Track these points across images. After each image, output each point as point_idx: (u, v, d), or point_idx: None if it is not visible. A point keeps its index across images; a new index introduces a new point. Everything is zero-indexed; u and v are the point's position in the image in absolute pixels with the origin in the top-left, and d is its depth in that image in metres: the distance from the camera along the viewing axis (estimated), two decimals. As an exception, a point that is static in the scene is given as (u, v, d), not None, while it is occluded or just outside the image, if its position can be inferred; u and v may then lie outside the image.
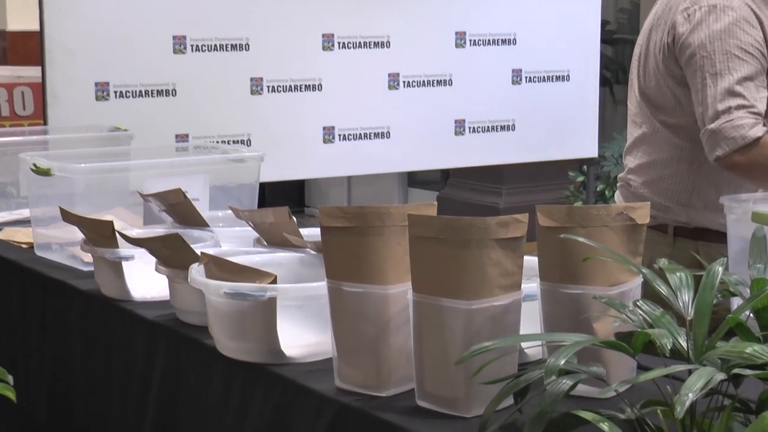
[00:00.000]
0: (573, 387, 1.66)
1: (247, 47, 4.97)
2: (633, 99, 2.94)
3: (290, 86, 5.09)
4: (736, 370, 1.57)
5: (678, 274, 1.77)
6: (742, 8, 2.72)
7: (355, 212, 2.04)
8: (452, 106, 5.54)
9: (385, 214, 2.03)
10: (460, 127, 5.61)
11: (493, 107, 5.64)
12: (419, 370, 1.95)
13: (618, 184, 3.03)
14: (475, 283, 1.89)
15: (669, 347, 1.57)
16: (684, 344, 1.65)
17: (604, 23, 6.49)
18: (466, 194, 7.82)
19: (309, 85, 5.13)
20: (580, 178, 6.95)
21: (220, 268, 2.27)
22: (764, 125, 2.70)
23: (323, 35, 5.14)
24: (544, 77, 5.72)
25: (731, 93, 2.68)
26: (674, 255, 2.65)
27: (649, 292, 1.86)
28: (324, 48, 5.15)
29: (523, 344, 2.09)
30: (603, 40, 6.05)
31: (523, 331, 2.00)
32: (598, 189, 6.81)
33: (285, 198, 7.11)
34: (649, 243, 2.77)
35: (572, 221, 2.00)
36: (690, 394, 1.46)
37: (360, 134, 5.27)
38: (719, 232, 2.62)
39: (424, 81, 5.40)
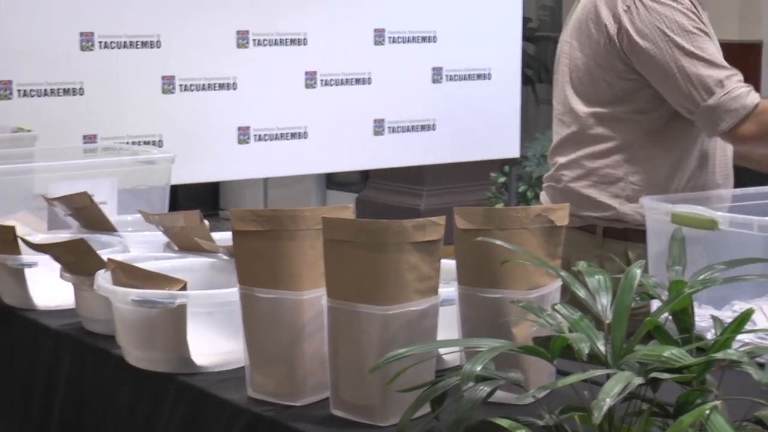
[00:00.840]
0: (491, 393, 1.67)
1: (158, 44, 4.92)
2: (560, 97, 2.96)
3: (203, 85, 5.05)
4: (653, 374, 1.59)
5: (596, 276, 1.79)
6: None
7: (268, 215, 2.03)
8: (371, 106, 5.52)
9: (299, 217, 2.03)
10: (379, 126, 5.60)
11: (413, 106, 5.63)
12: (334, 378, 1.95)
13: (544, 185, 3.05)
14: (391, 288, 1.90)
15: (586, 352, 1.58)
16: (602, 348, 1.67)
17: (525, 21, 6.54)
18: (386, 196, 7.83)
19: (223, 84, 5.10)
20: (502, 179, 6.99)
21: (127, 274, 2.25)
22: (755, 90, 2.79)
23: (238, 32, 5.11)
24: (465, 76, 5.73)
25: (716, 66, 2.75)
26: (603, 256, 2.69)
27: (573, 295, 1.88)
28: (239, 45, 5.12)
29: (441, 350, 2.10)
30: (525, 38, 6.10)
31: (440, 336, 2.00)
32: (519, 190, 6.86)
33: (199, 201, 7.07)
34: (578, 244, 2.82)
35: (490, 223, 2.01)
36: (607, 399, 1.48)
37: (276, 134, 5.25)
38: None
39: (342, 79, 5.39)
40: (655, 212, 2.55)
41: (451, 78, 5.72)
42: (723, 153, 2.90)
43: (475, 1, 5.65)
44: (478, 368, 1.59)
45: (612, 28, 2.80)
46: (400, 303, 1.90)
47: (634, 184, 2.85)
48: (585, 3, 2.90)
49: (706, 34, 2.79)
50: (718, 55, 2.78)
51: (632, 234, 2.78)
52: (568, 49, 2.94)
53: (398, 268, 1.89)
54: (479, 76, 5.71)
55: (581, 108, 2.91)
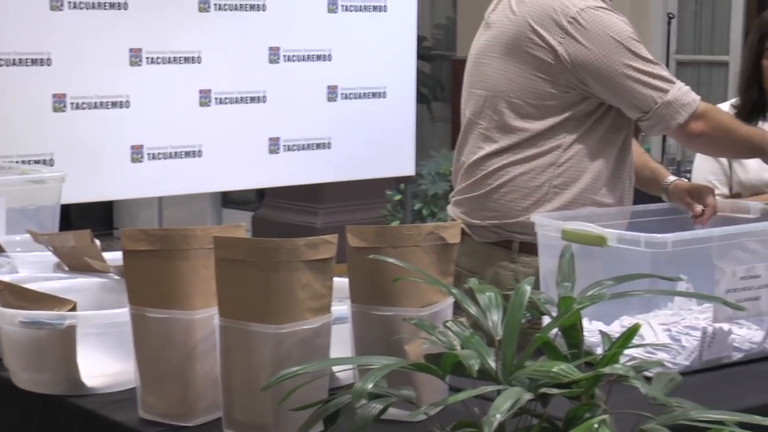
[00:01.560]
0: (383, 411, 1.67)
1: (49, 62, 4.86)
2: (484, 113, 2.97)
3: (96, 103, 5.00)
4: (543, 390, 1.61)
5: (487, 293, 1.80)
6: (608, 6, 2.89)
7: (159, 235, 2.02)
8: (266, 124, 5.50)
9: (190, 236, 2.02)
10: (274, 145, 5.58)
11: (309, 125, 5.62)
12: (227, 398, 1.94)
13: (455, 199, 3.06)
14: (283, 307, 1.89)
15: (477, 368, 1.60)
16: (493, 364, 1.68)
17: (420, 39, 6.59)
18: (282, 214, 7.81)
19: (116, 102, 5.06)
20: (398, 197, 7.02)
21: (15, 295, 2.21)
22: None
23: (131, 50, 5.07)
24: (360, 94, 5.75)
25: (660, 66, 2.86)
26: (518, 271, 2.72)
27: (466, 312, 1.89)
28: (132, 63, 5.08)
29: (334, 368, 2.10)
30: (420, 57, 6.15)
31: (334, 354, 2.00)
32: (415, 208, 6.88)
33: (92, 220, 6.98)
34: (493, 258, 2.85)
35: (383, 241, 2.02)
36: (497, 415, 1.49)
37: (170, 153, 5.21)
38: None
39: (236, 98, 5.37)
40: (546, 229, 2.58)
41: (346, 96, 5.73)
42: (630, 164, 2.96)
43: (370, 20, 5.66)
44: (370, 386, 1.59)
45: (555, 42, 2.84)
46: (293, 321, 1.90)
47: (558, 194, 2.89)
48: (512, 20, 2.91)
49: (639, 41, 2.90)
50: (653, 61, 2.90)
51: None
52: (496, 66, 2.95)
53: (291, 287, 1.89)
54: (374, 95, 5.73)
55: (513, 123, 2.94)
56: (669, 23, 7.53)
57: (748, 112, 3.33)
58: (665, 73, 2.88)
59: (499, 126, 2.96)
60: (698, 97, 2.87)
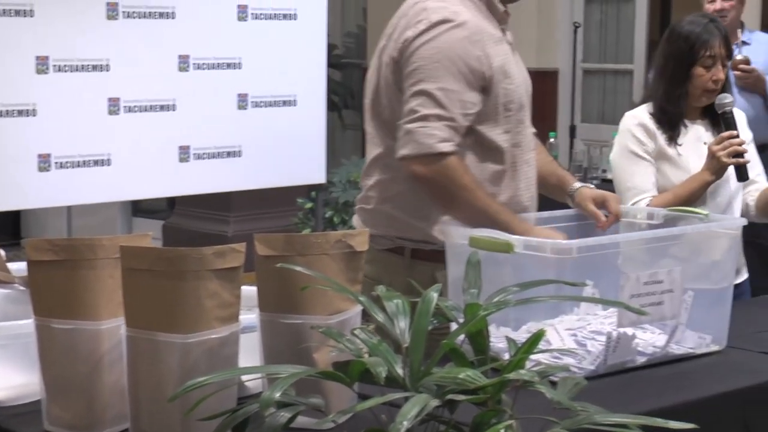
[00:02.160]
0: (291, 419, 1.67)
1: (-44, 71, 4.77)
2: (369, 120, 2.99)
3: (2, 111, 4.91)
4: (450, 396, 1.62)
5: (395, 301, 1.81)
6: (469, 26, 2.80)
7: (65, 245, 1.99)
8: (176, 132, 5.44)
9: (97, 246, 2.00)
10: (184, 153, 5.52)
11: (219, 133, 5.57)
12: (134, 408, 1.92)
13: (356, 208, 3.06)
14: (191, 316, 1.88)
15: (384, 375, 1.60)
16: (400, 371, 1.69)
17: (331, 48, 6.59)
18: (193, 223, 7.75)
19: (22, 110, 4.97)
20: (309, 205, 7.00)
21: None
22: (457, 146, 2.76)
23: (37, 58, 4.99)
24: (270, 102, 5.71)
25: (434, 100, 2.74)
26: (413, 278, 2.69)
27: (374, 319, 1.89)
28: (38, 71, 5.00)
29: (243, 377, 2.09)
30: (330, 65, 6.14)
31: (242, 363, 2.00)
32: (326, 215, 6.87)
33: (-1, 230, 6.87)
34: (388, 265, 2.84)
35: (291, 250, 2.01)
36: (405, 422, 1.50)
37: (79, 162, 5.14)
38: None
39: (146, 106, 5.31)
40: (454, 236, 2.60)
41: (256, 104, 5.69)
42: (527, 176, 2.95)
43: (280, 29, 5.64)
44: (278, 394, 1.59)
45: (399, 49, 2.83)
46: (201, 331, 1.89)
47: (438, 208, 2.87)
48: (387, 29, 2.93)
49: (462, 70, 2.76)
50: (452, 94, 2.75)
51: (439, 255, 2.81)
52: (372, 74, 2.97)
53: (198, 296, 1.88)
54: (285, 103, 5.71)
55: (384, 133, 2.93)
56: (575, 32, 7.61)
57: (673, 118, 3.37)
58: (432, 108, 2.73)
59: (375, 132, 2.97)
60: (439, 148, 2.71)
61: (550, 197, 3.11)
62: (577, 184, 3.02)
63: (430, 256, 2.85)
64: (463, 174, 2.75)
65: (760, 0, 6.87)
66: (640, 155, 3.35)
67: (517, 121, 2.89)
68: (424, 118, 2.73)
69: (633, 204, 3.25)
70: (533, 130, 3.08)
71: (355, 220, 3.05)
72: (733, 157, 3.25)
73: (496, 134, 2.85)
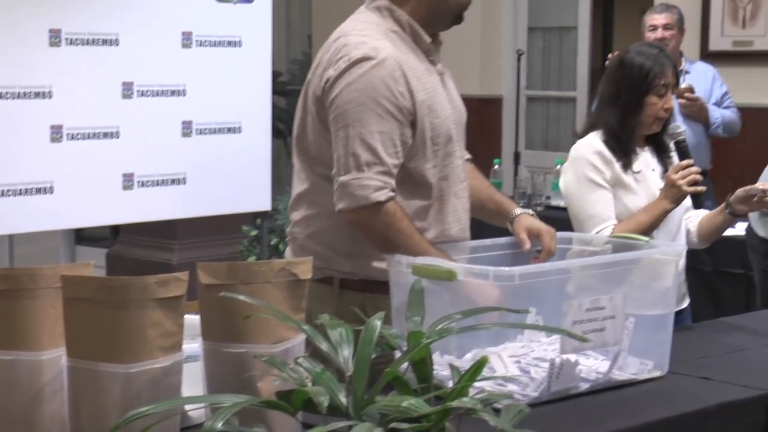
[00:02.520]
0: (234, 449, 1.66)
1: None
2: (295, 154, 2.99)
3: (-57, 139, 4.86)
4: (393, 424, 1.62)
5: (338, 329, 1.81)
6: (389, 62, 2.77)
7: (5, 274, 1.97)
8: (120, 159, 5.39)
9: (38, 275, 1.98)
10: (128, 181, 5.48)
11: (163, 160, 5.53)
12: (76, 440, 1.90)
13: (287, 239, 3.06)
14: (133, 346, 1.87)
15: (326, 404, 1.60)
16: (344, 400, 1.69)
17: (276, 75, 6.59)
18: (137, 251, 7.69)
19: (-37, 138, 4.92)
20: (254, 232, 6.98)
21: None
22: (392, 190, 2.75)
23: (-20, 85, 4.95)
24: (215, 129, 5.68)
25: (365, 147, 2.72)
26: (341, 308, 2.68)
27: (316, 347, 1.89)
28: (-20, 98, 4.95)
29: (186, 407, 2.08)
30: (275, 92, 6.14)
31: (186, 393, 1.98)
32: (272, 243, 6.85)
33: (-60, 258, 6.78)
34: (317, 296, 2.82)
35: (234, 278, 2.01)
36: (348, 451, 1.49)
37: (20, 190, 5.09)
38: (387, 282, 2.69)
39: (89, 133, 5.27)
40: (397, 264, 2.60)
41: (201, 131, 5.66)
42: (455, 208, 2.95)
43: (225, 56, 5.62)
44: (220, 424, 1.58)
45: (322, 87, 2.80)
46: (143, 360, 1.88)
47: (363, 244, 2.85)
48: (314, 63, 2.92)
49: (396, 118, 2.75)
50: (381, 136, 2.74)
51: (368, 285, 2.81)
52: (300, 106, 2.96)
53: (140, 325, 1.87)
54: (230, 130, 5.69)
55: (309, 166, 2.92)
56: (519, 60, 7.66)
57: (627, 146, 3.39)
58: (367, 157, 2.72)
59: (300, 167, 2.96)
60: (375, 198, 2.70)
61: (491, 223, 3.10)
62: (518, 210, 3.00)
63: (359, 286, 2.84)
64: (401, 219, 2.74)
65: (699, 30, 6.95)
66: (599, 183, 3.36)
67: (445, 154, 2.87)
68: (357, 167, 2.71)
69: (596, 233, 3.25)
70: (467, 156, 3.08)
71: (287, 251, 3.04)
72: (691, 185, 3.29)
73: (424, 169, 2.83)
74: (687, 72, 5.83)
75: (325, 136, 2.82)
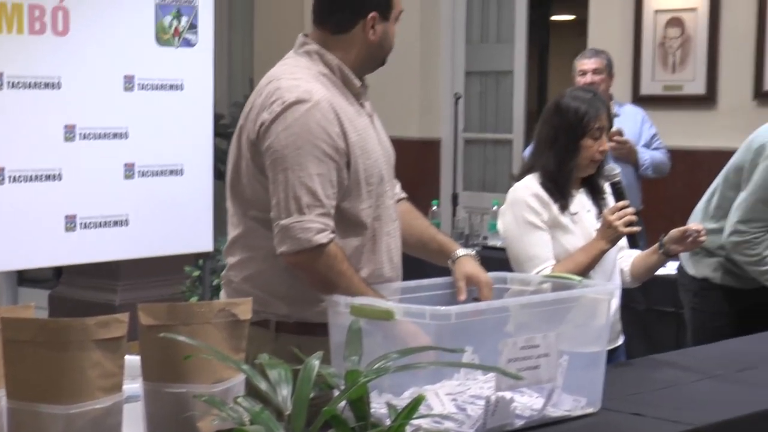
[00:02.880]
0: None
1: None
2: (229, 198, 2.98)
3: None
4: (331, 462, 1.62)
5: (277, 369, 1.82)
6: (323, 105, 2.78)
7: (-55, 316, 1.96)
8: (62, 201, 5.36)
9: (-22, 317, 1.96)
10: (71, 222, 5.44)
11: (106, 202, 5.50)
12: (15, 481, 1.88)
13: (222, 282, 3.05)
14: (74, 386, 1.86)
15: (265, 443, 1.60)
16: (282, 439, 1.69)
17: (218, 117, 6.58)
18: (80, 292, 7.61)
19: None
20: (196, 273, 6.95)
21: None
22: (333, 232, 2.76)
23: None
24: (157, 171, 5.66)
25: (306, 190, 2.72)
26: (277, 350, 2.67)
27: (255, 387, 1.88)
28: None
29: (126, 447, 2.06)
30: (217, 134, 6.13)
31: (126, 433, 1.98)
32: (214, 283, 6.82)
33: None
34: (253, 339, 2.79)
35: (174, 319, 2.01)
36: (286, 489, 1.50)
37: (-37, 231, 5.04)
38: (323, 324, 2.69)
39: (31, 175, 5.23)
40: (336, 305, 2.61)
41: (143, 174, 5.63)
42: (388, 247, 2.96)
43: (167, 99, 5.61)
44: (160, 464, 1.58)
45: (257, 131, 2.80)
46: (84, 401, 1.87)
47: (299, 286, 2.83)
48: (245, 108, 2.91)
49: (333, 159, 2.77)
50: (320, 178, 2.74)
51: (304, 327, 2.81)
52: (231, 152, 2.95)
53: (81, 367, 1.86)
54: (172, 172, 5.67)
55: (243, 210, 2.92)
56: (456, 103, 7.71)
57: (564, 188, 3.42)
58: (307, 199, 2.73)
59: (233, 212, 2.97)
60: (317, 240, 2.71)
61: (433, 263, 3.11)
62: (461, 252, 3.01)
63: (295, 329, 2.84)
64: (342, 261, 2.76)
65: (631, 75, 7.06)
66: (537, 225, 3.39)
67: (378, 194, 2.89)
68: (299, 210, 2.72)
69: (536, 273, 3.28)
70: (403, 195, 3.10)
71: (222, 295, 3.03)
72: (627, 226, 3.33)
73: (358, 210, 2.85)
74: (617, 115, 5.91)
75: (259, 179, 2.82)
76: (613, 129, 5.63)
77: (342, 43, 2.90)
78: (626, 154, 5.74)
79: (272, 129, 2.77)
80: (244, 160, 2.86)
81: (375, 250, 2.89)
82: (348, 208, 2.83)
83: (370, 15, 2.88)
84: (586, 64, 5.88)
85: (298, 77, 2.83)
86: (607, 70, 5.90)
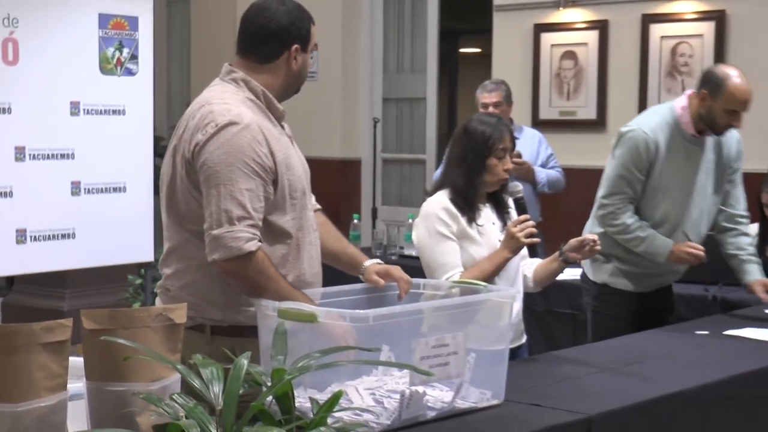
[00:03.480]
0: (114, 479, 1.63)
1: None
2: (164, 212, 2.95)
3: None
4: (258, 452, 1.61)
5: (210, 368, 1.80)
6: (252, 127, 2.78)
7: None
8: (13, 217, 5.29)
9: (-69, 323, 1.92)
10: (21, 236, 5.37)
11: (54, 217, 5.44)
12: (-34, 475, 1.84)
13: (158, 292, 3.01)
14: (21, 387, 1.83)
15: (197, 436, 1.58)
16: (215, 431, 1.67)
17: (157, 139, 6.54)
18: (31, 299, 7.51)
19: None
20: (139, 281, 6.88)
21: None
22: (260, 240, 2.75)
23: None
24: (101, 189, 5.62)
25: (236, 204, 2.71)
26: (212, 352, 2.64)
27: (189, 385, 1.86)
28: None
29: (71, 441, 2.03)
30: (158, 154, 6.07)
31: (71, 429, 1.94)
32: (154, 290, 6.77)
33: None
34: (189, 343, 2.76)
35: (115, 323, 1.98)
36: (216, 478, 1.48)
37: None
38: (253, 327, 2.67)
39: (-16, 193, 5.16)
40: (264, 309, 2.59)
41: (89, 191, 5.58)
42: (310, 255, 2.95)
43: (110, 122, 5.55)
44: (100, 457, 1.55)
45: (192, 150, 2.79)
46: (31, 400, 1.83)
47: (230, 292, 2.81)
48: (177, 129, 2.90)
49: (260, 176, 2.76)
50: (249, 193, 2.74)
51: (237, 330, 2.79)
52: (165, 170, 2.93)
53: (28, 368, 1.82)
54: (115, 189, 5.62)
55: (178, 223, 2.89)
56: (375, 127, 7.74)
57: (472, 202, 3.44)
58: (237, 212, 2.71)
59: (167, 226, 2.95)
60: (247, 248, 2.69)
61: (345, 272, 3.11)
62: (367, 262, 3.02)
63: (228, 332, 2.81)
64: (269, 266, 2.74)
65: (530, 101, 7.13)
66: (447, 236, 3.40)
67: (301, 206, 2.89)
68: (229, 221, 2.70)
69: (446, 279, 3.28)
70: (317, 207, 3.11)
71: (158, 302, 3.00)
72: (528, 237, 3.36)
73: (284, 221, 2.84)
74: (516, 138, 5.95)
75: (194, 195, 2.80)
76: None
77: (267, 72, 2.90)
78: (524, 174, 5.79)
79: (206, 148, 2.75)
80: (179, 177, 2.83)
81: (299, 258, 2.88)
82: (275, 220, 2.82)
83: (294, 47, 2.89)
84: (486, 97, 5.91)
85: (227, 101, 2.82)
86: (506, 100, 5.93)
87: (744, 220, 4.37)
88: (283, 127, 2.95)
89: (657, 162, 4.14)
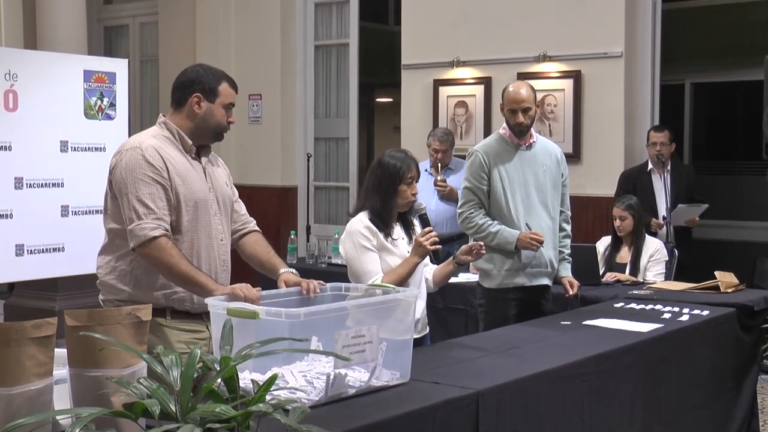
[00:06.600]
0: (90, 448, 1.58)
1: None
2: (103, 217, 3.03)
3: None
4: (209, 425, 1.58)
5: (170, 356, 1.76)
6: (149, 149, 2.90)
7: None
8: (14, 234, 5.28)
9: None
10: (20, 249, 5.35)
11: (47, 234, 5.44)
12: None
13: (98, 281, 3.08)
14: (14, 373, 1.77)
15: (158, 411, 1.55)
16: (173, 408, 1.63)
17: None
18: (28, 301, 7.31)
19: None
20: (118, 286, 6.78)
21: None
22: (165, 230, 2.87)
23: None
24: (87, 211, 5.61)
25: (140, 204, 2.85)
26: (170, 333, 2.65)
27: (153, 371, 1.83)
28: None
29: (57, 417, 1.97)
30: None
31: (57, 407, 1.88)
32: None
33: None
34: (156, 326, 2.79)
35: (92, 321, 1.93)
36: (174, 446, 1.44)
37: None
38: (206, 312, 2.69)
39: (-11, 215, 5.07)
40: (216, 307, 2.55)
41: (76, 213, 5.58)
42: (208, 257, 3.01)
43: (93, 157, 5.55)
44: (78, 429, 1.51)
45: (110, 169, 2.94)
46: (22, 384, 1.78)
47: (141, 276, 2.92)
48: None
49: (159, 182, 2.88)
50: (151, 196, 2.86)
51: (188, 315, 2.92)
52: (107, 186, 3.00)
53: (19, 358, 1.77)
54: (97, 211, 5.55)
55: (105, 224, 2.99)
56: (308, 160, 7.73)
57: (387, 221, 3.44)
58: (143, 210, 2.85)
59: (105, 226, 3.03)
60: (151, 234, 2.83)
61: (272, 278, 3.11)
62: (283, 269, 3.04)
63: (185, 316, 2.94)
64: (171, 249, 2.87)
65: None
66: (369, 248, 3.39)
67: (195, 214, 2.98)
68: (138, 217, 2.86)
69: (371, 283, 3.26)
70: (254, 228, 3.20)
71: (101, 294, 3.05)
72: (432, 244, 3.36)
73: (181, 221, 2.96)
74: (452, 169, 6.04)
75: (115, 203, 2.94)
76: (440, 178, 5.84)
77: (180, 114, 3.06)
78: (448, 194, 5.84)
79: (116, 168, 2.94)
80: (109, 192, 2.98)
81: (192, 255, 2.97)
82: (174, 219, 2.95)
83: (195, 95, 3.02)
84: (437, 145, 6.05)
85: (141, 136, 3.01)
86: (451, 147, 6.09)
87: (567, 225, 4.39)
88: (198, 158, 3.06)
89: (492, 171, 4.16)
